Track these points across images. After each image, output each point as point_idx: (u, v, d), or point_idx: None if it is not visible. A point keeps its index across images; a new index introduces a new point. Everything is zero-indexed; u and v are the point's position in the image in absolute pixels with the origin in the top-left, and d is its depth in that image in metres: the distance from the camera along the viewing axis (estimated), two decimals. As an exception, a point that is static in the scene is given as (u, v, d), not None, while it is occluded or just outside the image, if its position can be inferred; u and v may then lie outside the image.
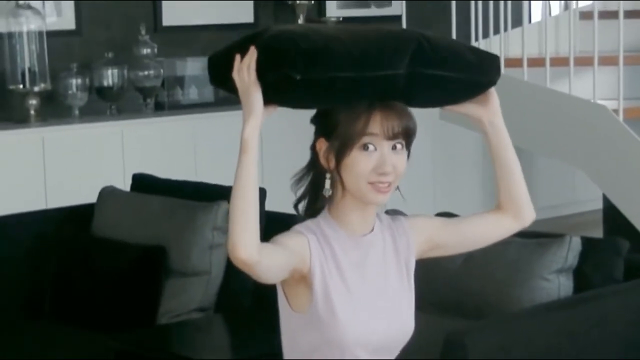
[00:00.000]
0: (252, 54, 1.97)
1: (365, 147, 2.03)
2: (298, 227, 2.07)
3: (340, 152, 2.04)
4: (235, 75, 1.98)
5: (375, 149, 2.03)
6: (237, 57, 1.99)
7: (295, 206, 2.11)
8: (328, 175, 2.07)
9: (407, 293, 2.16)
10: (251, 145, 1.95)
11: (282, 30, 2.01)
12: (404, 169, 2.06)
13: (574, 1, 5.40)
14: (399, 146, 2.05)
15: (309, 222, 2.08)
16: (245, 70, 1.97)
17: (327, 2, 6.77)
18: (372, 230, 2.13)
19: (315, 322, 2.05)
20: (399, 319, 2.12)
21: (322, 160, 2.07)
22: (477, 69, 2.09)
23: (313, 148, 2.10)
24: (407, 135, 2.05)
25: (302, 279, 2.05)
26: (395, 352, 2.15)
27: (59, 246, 4.08)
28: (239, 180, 1.95)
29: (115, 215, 4.09)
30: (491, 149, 2.17)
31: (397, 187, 2.09)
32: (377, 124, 2.03)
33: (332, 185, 2.08)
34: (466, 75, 2.07)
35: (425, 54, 2.02)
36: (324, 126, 2.07)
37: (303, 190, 2.11)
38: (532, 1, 6.20)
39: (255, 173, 1.96)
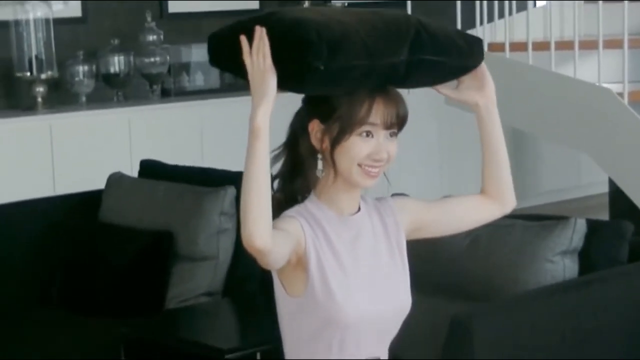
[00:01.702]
0: (262, 36, 1.95)
1: (364, 134, 2.06)
2: (288, 212, 2.08)
3: (339, 137, 2.06)
4: (246, 58, 1.96)
5: (373, 136, 2.07)
6: (244, 39, 1.97)
7: (271, 183, 2.12)
8: (320, 156, 2.09)
9: (401, 270, 2.18)
10: (264, 132, 1.93)
11: (298, 17, 2.01)
12: (395, 155, 2.10)
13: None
14: (393, 134, 2.10)
15: (297, 207, 2.10)
16: (260, 55, 1.95)
17: (332, -13, 6.77)
18: (359, 210, 2.16)
19: (312, 304, 2.07)
20: (395, 296, 2.15)
21: (314, 142, 2.09)
22: (467, 53, 2.15)
23: (299, 128, 2.11)
24: (402, 124, 2.10)
25: (298, 263, 2.07)
26: (395, 329, 2.17)
27: (68, 233, 4.10)
28: (251, 167, 1.93)
29: (123, 201, 4.12)
30: (482, 133, 2.22)
31: (384, 173, 2.12)
32: (379, 113, 2.06)
33: (323, 167, 2.10)
34: (458, 60, 2.14)
35: (423, 41, 2.06)
36: (320, 108, 2.08)
37: (281, 168, 2.12)
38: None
39: (267, 160, 1.95)
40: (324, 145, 2.08)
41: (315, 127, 2.09)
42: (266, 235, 1.92)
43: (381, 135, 2.08)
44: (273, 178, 2.11)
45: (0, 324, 3.86)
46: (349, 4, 6.58)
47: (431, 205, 2.27)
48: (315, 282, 2.06)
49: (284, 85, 1.97)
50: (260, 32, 1.95)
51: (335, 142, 2.06)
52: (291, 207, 2.10)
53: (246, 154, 1.94)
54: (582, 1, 5.28)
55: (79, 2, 5.92)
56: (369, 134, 2.06)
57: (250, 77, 1.96)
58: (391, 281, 2.15)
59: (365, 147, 2.06)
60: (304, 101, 2.13)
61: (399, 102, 2.09)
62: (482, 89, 2.19)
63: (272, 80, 1.95)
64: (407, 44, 2.04)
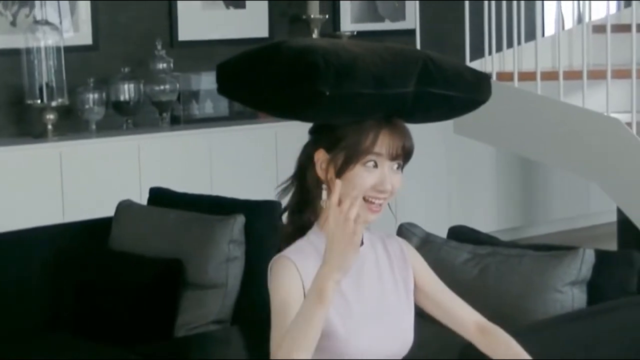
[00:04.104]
0: (355, 204, 1.93)
1: (368, 164, 2.07)
2: (285, 254, 2.08)
3: (344, 166, 2.07)
4: (334, 210, 1.94)
5: (377, 167, 2.07)
6: (338, 182, 1.98)
7: (281, 215, 2.13)
8: (324, 186, 2.10)
9: (406, 306, 2.18)
10: (330, 300, 1.94)
11: (307, 44, 2.03)
12: (399, 189, 2.11)
13: (588, 13, 5.42)
14: (398, 166, 2.10)
15: (299, 242, 2.10)
16: (349, 226, 1.92)
17: (341, 17, 6.81)
18: (362, 243, 2.16)
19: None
20: (397, 330, 2.15)
21: (320, 172, 2.10)
22: (475, 88, 2.16)
23: (305, 158, 2.12)
24: (407, 157, 2.11)
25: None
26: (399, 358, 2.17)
27: (77, 260, 4.11)
28: (310, 331, 1.92)
29: (132, 229, 4.13)
30: None
31: (389, 205, 2.13)
32: (384, 144, 2.07)
33: (327, 197, 2.10)
34: (465, 95, 2.14)
35: (430, 73, 2.07)
36: (326, 138, 2.09)
37: (289, 200, 2.13)
38: (548, 11, 6.22)
39: (322, 326, 1.95)
40: (328, 176, 2.09)
41: (320, 157, 2.10)
42: None
43: (386, 166, 2.08)
44: (282, 210, 2.12)
45: (10, 349, 3.86)
46: (357, 32, 6.61)
47: (435, 281, 2.26)
48: None
49: (290, 111, 1.98)
50: (354, 201, 1.94)
51: (340, 172, 2.07)
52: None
53: (303, 313, 1.93)
54: (591, 31, 5.30)
55: (90, 29, 5.96)
56: (374, 164, 2.07)
57: (331, 238, 1.94)
58: (394, 314, 2.15)
59: (370, 177, 2.07)
60: (311, 131, 2.15)
61: (405, 134, 2.10)
62: None
63: (353, 255, 1.94)
64: (415, 76, 2.05)
